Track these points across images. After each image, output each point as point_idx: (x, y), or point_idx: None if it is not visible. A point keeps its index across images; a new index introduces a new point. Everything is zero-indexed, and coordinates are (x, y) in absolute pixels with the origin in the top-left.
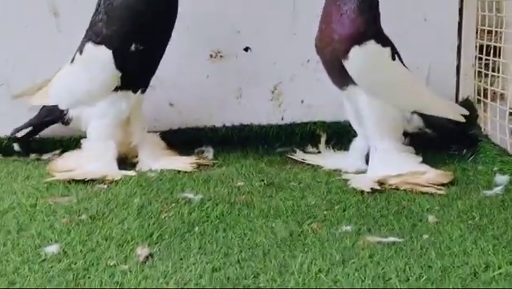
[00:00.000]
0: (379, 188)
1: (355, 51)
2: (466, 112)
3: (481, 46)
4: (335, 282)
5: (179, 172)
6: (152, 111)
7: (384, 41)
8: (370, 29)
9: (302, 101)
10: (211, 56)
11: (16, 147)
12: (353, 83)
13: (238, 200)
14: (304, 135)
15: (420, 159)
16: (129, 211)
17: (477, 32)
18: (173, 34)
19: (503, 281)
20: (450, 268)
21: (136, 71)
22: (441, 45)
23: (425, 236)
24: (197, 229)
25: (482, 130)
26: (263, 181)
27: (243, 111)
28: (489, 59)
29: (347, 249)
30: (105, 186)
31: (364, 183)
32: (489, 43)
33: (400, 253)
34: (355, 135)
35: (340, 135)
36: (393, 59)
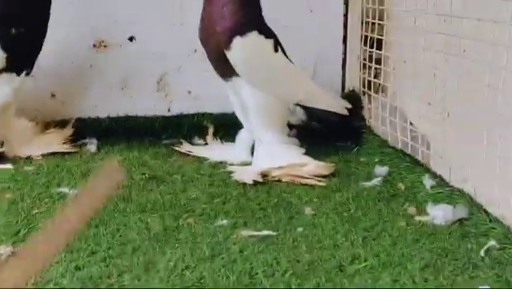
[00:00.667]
0: (261, 180)
1: (238, 42)
2: (349, 106)
3: (366, 38)
4: (199, 278)
5: (57, 165)
6: (33, 102)
7: (267, 32)
8: (252, 20)
9: (190, 92)
10: (94, 46)
11: None
12: (237, 74)
13: (116, 194)
14: (191, 126)
15: (303, 150)
16: None
17: (362, 24)
18: (55, 22)
19: (367, 274)
20: (317, 262)
21: (20, 53)
22: (327, 37)
23: (299, 229)
24: None
25: (366, 122)
26: (145, 174)
27: (128, 103)
28: (372, 52)
29: (218, 244)
30: None
31: (247, 175)
32: (372, 36)
33: (271, 247)
34: (242, 127)
35: (228, 127)
36: (276, 50)
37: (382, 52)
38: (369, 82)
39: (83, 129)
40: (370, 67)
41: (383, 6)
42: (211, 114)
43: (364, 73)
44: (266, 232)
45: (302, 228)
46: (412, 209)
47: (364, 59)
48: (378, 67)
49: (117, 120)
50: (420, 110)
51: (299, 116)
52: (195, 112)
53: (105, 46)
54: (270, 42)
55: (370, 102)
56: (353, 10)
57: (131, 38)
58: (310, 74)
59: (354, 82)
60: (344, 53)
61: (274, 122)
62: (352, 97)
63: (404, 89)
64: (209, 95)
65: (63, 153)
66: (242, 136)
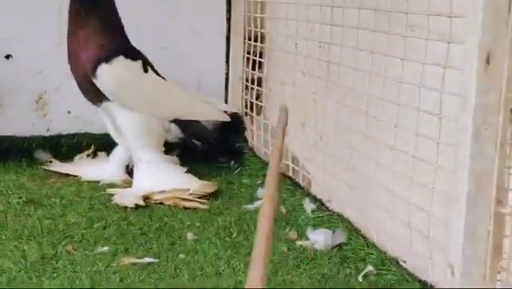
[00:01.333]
0: (143, 204)
1: (104, 69)
2: (228, 119)
3: (248, 60)
4: None
5: None
6: None
7: (134, 55)
8: (118, 46)
9: (69, 112)
10: None
11: None
12: (107, 99)
13: None
14: (71, 146)
15: (185, 169)
16: None
17: (244, 45)
18: None
19: None
20: None
21: None
22: (210, 58)
23: (182, 255)
24: None
25: (249, 143)
26: (21, 197)
27: (4, 122)
28: (255, 73)
29: (98, 273)
30: None
31: (128, 199)
32: (254, 58)
33: (153, 275)
34: None
35: (110, 146)
36: (145, 70)
37: (262, 74)
38: (251, 103)
39: None
40: (252, 89)
41: (264, 29)
42: (92, 134)
43: (246, 94)
44: (147, 259)
45: (184, 254)
46: (293, 234)
47: (247, 80)
48: (259, 88)
49: None
50: (296, 133)
51: (175, 133)
52: (75, 132)
53: None
54: (138, 63)
55: (252, 123)
56: (235, 31)
57: (7, 56)
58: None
59: (237, 103)
60: (227, 74)
61: (151, 141)
62: (235, 118)
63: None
64: (90, 115)
65: None
66: (116, 152)
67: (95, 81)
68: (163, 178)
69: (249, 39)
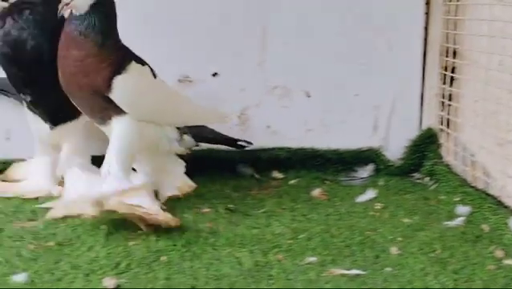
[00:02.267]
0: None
1: (119, 80)
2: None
3: (443, 77)
4: None
5: None
6: None
7: (141, 60)
8: (125, 53)
9: (268, 127)
10: (179, 81)
11: None
12: (118, 114)
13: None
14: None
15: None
16: (97, 238)
17: (439, 61)
18: None
19: None
20: None
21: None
22: (406, 74)
23: (388, 269)
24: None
25: (445, 160)
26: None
27: None
28: (450, 90)
29: (311, 282)
30: None
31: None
32: (448, 73)
33: (363, 286)
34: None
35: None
36: (154, 76)
37: (458, 90)
38: (447, 119)
39: None
40: (449, 105)
41: (460, 45)
42: (289, 148)
43: (442, 110)
44: (355, 271)
45: (390, 268)
46: (499, 252)
47: (442, 97)
48: (454, 104)
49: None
50: (494, 150)
51: (188, 143)
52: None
53: (190, 82)
54: (147, 68)
55: (448, 140)
56: (432, 49)
57: (214, 74)
58: (388, 111)
59: (431, 119)
60: (422, 90)
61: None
62: (430, 134)
63: (478, 127)
64: (287, 130)
65: None
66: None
67: (111, 96)
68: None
69: (444, 55)
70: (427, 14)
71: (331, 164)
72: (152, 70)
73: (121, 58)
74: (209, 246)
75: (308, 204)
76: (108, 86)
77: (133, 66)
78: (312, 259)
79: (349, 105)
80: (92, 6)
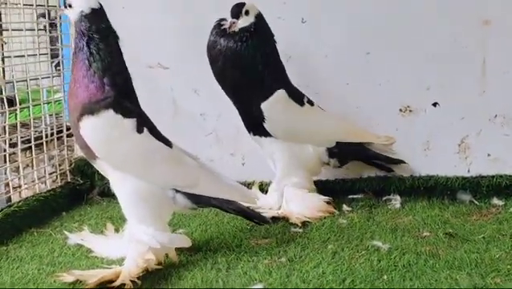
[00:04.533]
0: None
1: (88, 121)
2: (256, 200)
3: None
4: None
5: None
6: None
7: (128, 111)
8: (108, 96)
9: (489, 155)
10: (400, 110)
11: None
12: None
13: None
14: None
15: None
16: (323, 256)
17: None
18: None
19: None
20: None
21: None
22: None
23: None
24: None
25: None
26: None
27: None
28: None
29: None
30: (300, 230)
31: None
32: None
33: None
34: None
35: None
36: (139, 131)
37: None
38: None
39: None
40: None
41: None
42: (510, 176)
43: None
44: None
45: None
46: None
47: None
48: None
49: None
50: None
51: (182, 203)
52: (494, 174)
53: (410, 111)
54: (131, 121)
55: None
56: None
57: (434, 104)
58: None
59: None
60: None
61: (148, 212)
62: None
63: None
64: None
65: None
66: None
67: (80, 133)
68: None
69: None
70: None
71: None
72: (140, 123)
73: (101, 98)
74: (428, 268)
75: None
76: (78, 121)
77: (110, 113)
78: None
79: None
80: None
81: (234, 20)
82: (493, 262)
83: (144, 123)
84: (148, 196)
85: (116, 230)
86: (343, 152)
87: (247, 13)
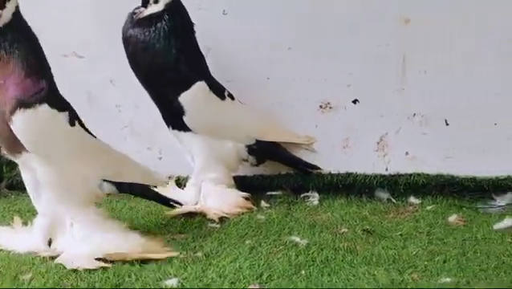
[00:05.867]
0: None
1: (22, 115)
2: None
3: None
4: None
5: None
6: None
7: (61, 105)
8: (41, 90)
9: (407, 153)
10: (320, 107)
11: None
12: (26, 150)
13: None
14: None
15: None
16: (241, 251)
17: None
18: None
19: None
20: None
21: None
22: None
23: None
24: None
25: None
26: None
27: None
28: None
29: None
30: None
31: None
32: None
33: None
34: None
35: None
36: (72, 124)
37: None
38: None
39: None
40: None
41: None
42: (427, 174)
43: None
44: None
45: None
46: None
47: None
48: None
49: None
50: None
51: (109, 189)
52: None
53: (331, 108)
54: (64, 114)
55: None
56: None
57: (354, 101)
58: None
59: None
60: None
61: (76, 197)
62: None
63: None
64: (426, 156)
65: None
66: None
67: (12, 127)
68: (98, 242)
69: None
70: None
71: (469, 192)
72: (72, 117)
73: (36, 91)
74: (346, 264)
75: (445, 229)
76: (11, 115)
77: (44, 107)
78: (447, 280)
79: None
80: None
81: (142, 8)
82: (410, 259)
83: (75, 116)
84: (74, 182)
85: (24, 224)
86: (261, 150)
87: (156, 1)
